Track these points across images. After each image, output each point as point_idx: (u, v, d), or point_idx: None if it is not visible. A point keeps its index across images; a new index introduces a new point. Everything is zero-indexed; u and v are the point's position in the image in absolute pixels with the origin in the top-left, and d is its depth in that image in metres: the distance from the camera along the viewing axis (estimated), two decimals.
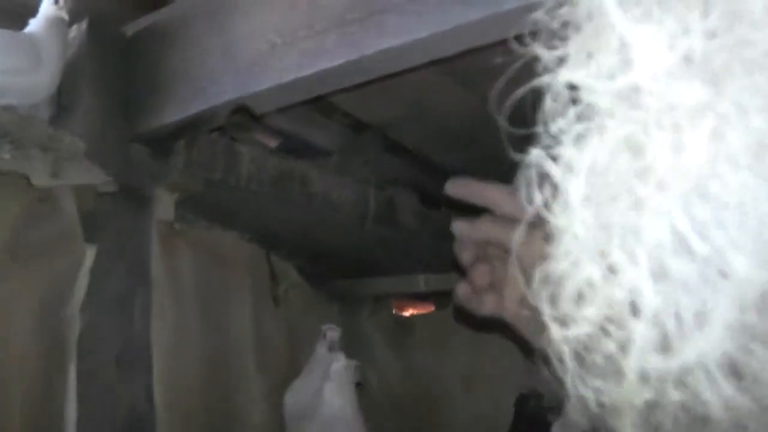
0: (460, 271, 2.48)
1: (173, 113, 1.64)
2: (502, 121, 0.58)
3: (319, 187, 2.09)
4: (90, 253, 1.53)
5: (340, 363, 2.05)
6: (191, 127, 1.67)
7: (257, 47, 1.50)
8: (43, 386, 1.43)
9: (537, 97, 0.53)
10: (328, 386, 2.03)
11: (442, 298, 2.69)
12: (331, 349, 2.09)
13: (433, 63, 1.70)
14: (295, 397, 2.04)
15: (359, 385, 2.17)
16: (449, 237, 2.64)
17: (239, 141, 1.99)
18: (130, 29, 1.84)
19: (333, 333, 2.10)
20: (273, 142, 2.48)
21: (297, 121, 2.42)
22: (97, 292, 1.54)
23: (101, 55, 1.71)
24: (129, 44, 1.82)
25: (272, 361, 2.21)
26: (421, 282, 2.33)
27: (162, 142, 1.76)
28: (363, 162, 2.45)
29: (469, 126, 2.47)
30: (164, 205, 1.78)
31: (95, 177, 1.52)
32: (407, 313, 3.07)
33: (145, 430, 1.57)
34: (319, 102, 2.31)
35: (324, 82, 1.43)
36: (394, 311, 3.01)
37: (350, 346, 2.64)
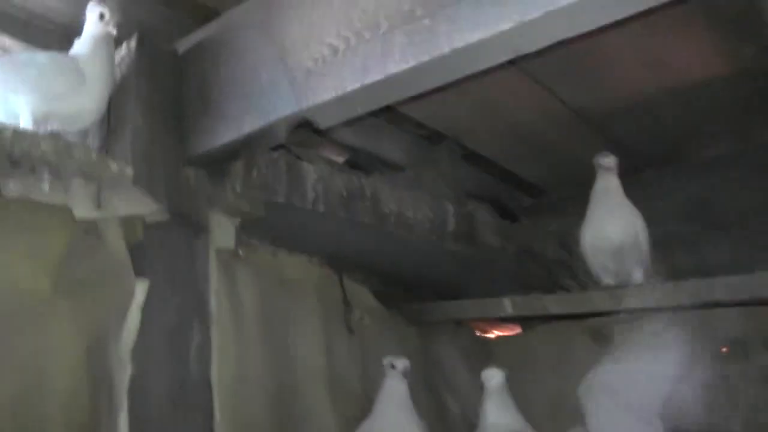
0: (548, 290, 2.26)
1: (226, 133, 1.50)
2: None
3: (392, 205, 1.91)
4: (141, 288, 1.39)
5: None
6: (247, 147, 1.52)
7: (316, 53, 1.33)
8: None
9: None
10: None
11: (527, 318, 2.46)
12: (405, 377, 1.91)
13: (512, 62, 1.52)
14: None
15: None
16: (534, 253, 2.44)
17: (303, 158, 1.84)
18: (182, 46, 1.72)
19: (402, 363, 1.91)
20: (341, 158, 2.33)
21: (366, 134, 2.26)
22: (150, 330, 1.41)
23: (152, 73, 1.58)
24: (180, 61, 1.69)
25: (346, 394, 2.04)
26: (508, 306, 2.12)
27: (217, 164, 1.62)
28: (438, 175, 2.27)
29: (548, 131, 2.26)
30: (223, 232, 1.63)
31: (143, 206, 1.39)
32: (492, 335, 2.86)
33: None
34: (389, 112, 2.15)
35: (393, 89, 1.25)
36: (477, 333, 2.80)
37: (429, 372, 2.45)
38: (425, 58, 1.13)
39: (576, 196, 2.19)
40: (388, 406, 1.87)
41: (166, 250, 1.49)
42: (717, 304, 1.82)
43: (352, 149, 2.30)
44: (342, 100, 1.27)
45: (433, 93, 2.02)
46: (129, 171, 1.39)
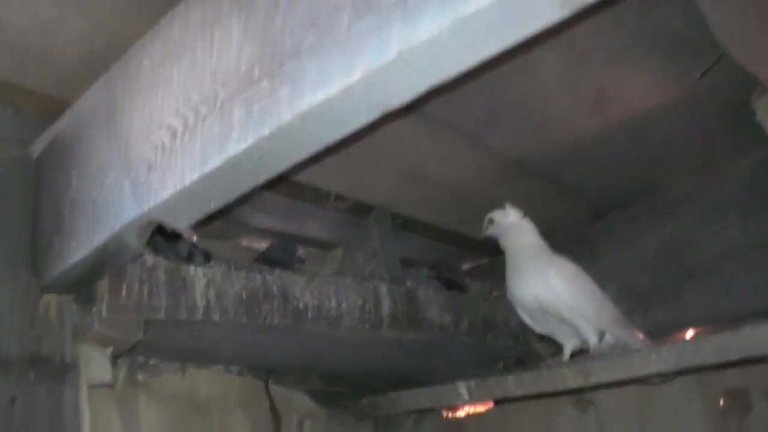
0: (509, 371, 1.97)
1: (76, 250, 1.23)
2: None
3: (307, 299, 1.63)
4: None
5: None
6: (102, 263, 1.24)
7: (156, 140, 1.08)
8: None
9: None
10: None
11: None
12: None
13: (426, 117, 1.25)
14: None
15: None
16: (493, 324, 2.15)
17: (213, 256, 1.56)
18: (37, 147, 1.45)
19: None
20: (263, 243, 2.06)
21: (285, 217, 1.99)
22: None
23: (3, 188, 1.32)
24: (35, 168, 1.43)
25: None
26: (464, 392, 1.83)
27: (81, 287, 1.33)
28: (371, 253, 2.00)
29: (487, 188, 2.01)
30: (97, 367, 1.34)
31: None
32: (461, 414, 2.55)
33: None
34: (301, 189, 1.89)
35: (238, 175, 0.98)
36: (445, 416, 2.49)
37: None
38: (265, 131, 0.87)
39: None
40: None
41: (20, 406, 1.20)
42: (702, 368, 1.54)
43: (272, 234, 2.04)
44: (183, 194, 1.00)
45: (347, 162, 1.79)
46: None
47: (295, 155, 0.94)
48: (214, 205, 1.07)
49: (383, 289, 1.85)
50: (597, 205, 2.24)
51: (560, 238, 2.26)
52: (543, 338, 2.06)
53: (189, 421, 1.62)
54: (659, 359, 1.54)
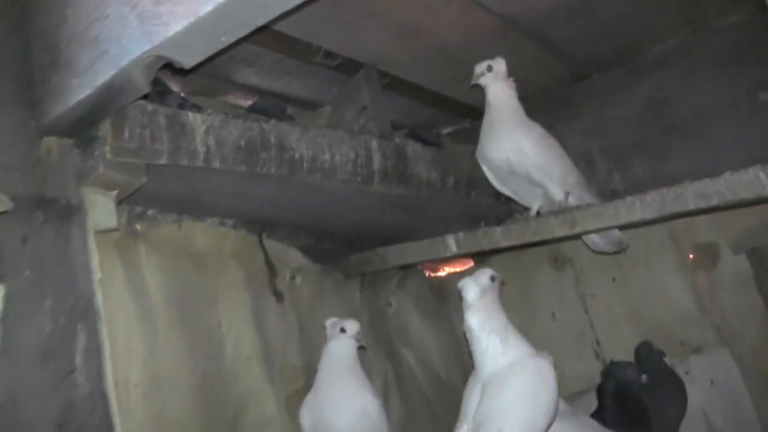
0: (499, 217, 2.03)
1: (79, 88, 1.22)
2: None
3: (303, 151, 1.64)
4: None
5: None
6: (107, 102, 1.23)
7: None
8: None
9: None
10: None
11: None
12: (358, 343, 1.69)
13: None
14: (313, 411, 1.64)
15: (362, 348, 1.76)
16: (475, 185, 2.20)
17: (203, 109, 1.55)
18: None
19: (353, 327, 1.69)
20: (250, 102, 2.04)
21: (271, 74, 1.96)
22: (19, 347, 1.14)
23: None
24: (22, 8, 1.38)
25: (284, 368, 1.82)
26: (452, 244, 1.89)
27: (82, 129, 1.33)
28: (360, 109, 2.00)
29: (478, 47, 1.99)
30: (101, 210, 1.35)
31: None
32: (443, 273, 2.65)
33: None
34: (291, 45, 1.86)
35: (258, 6, 0.97)
36: (427, 275, 2.59)
37: (376, 325, 2.24)
38: None
39: None
40: (337, 373, 1.65)
41: (30, 245, 1.22)
42: (684, 214, 1.62)
43: (260, 91, 2.01)
44: (196, 27, 0.99)
45: (340, 15, 1.76)
46: None
47: None
48: (225, 40, 1.06)
49: (374, 143, 1.87)
50: (582, 67, 2.26)
51: (544, 99, 2.30)
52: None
53: (186, 271, 1.66)
54: (643, 206, 1.61)
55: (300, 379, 1.84)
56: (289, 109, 2.04)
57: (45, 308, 1.21)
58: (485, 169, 1.95)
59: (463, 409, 1.35)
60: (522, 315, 2.20)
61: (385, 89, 2.08)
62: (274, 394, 1.75)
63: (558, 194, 1.81)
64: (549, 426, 1.30)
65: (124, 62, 1.11)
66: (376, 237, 2.10)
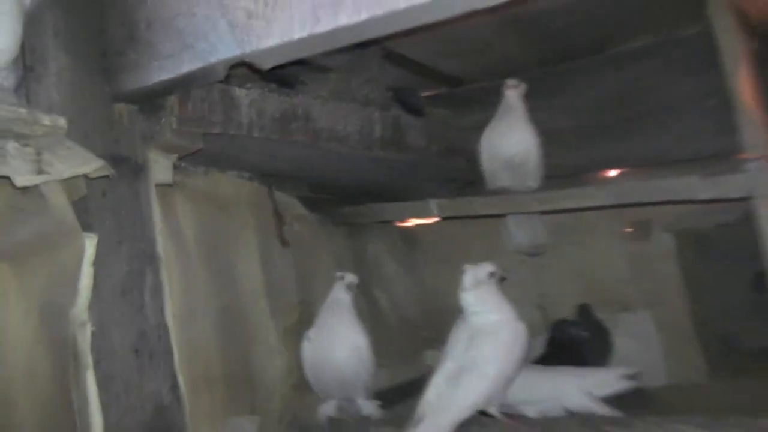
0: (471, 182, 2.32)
1: (161, 71, 1.43)
2: None
3: (323, 121, 1.90)
4: (90, 243, 1.34)
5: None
6: (184, 85, 1.45)
7: None
8: (61, 399, 1.30)
9: None
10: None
11: None
12: (349, 291, 1.98)
13: None
14: (314, 345, 1.94)
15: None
16: (453, 151, 2.48)
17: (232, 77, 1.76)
18: None
19: (351, 278, 1.97)
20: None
21: None
22: (104, 284, 1.38)
23: (69, 2, 1.45)
24: None
25: (283, 304, 2.09)
26: (434, 208, 2.18)
27: (149, 100, 1.54)
28: (366, 79, 2.23)
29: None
30: (161, 168, 1.59)
31: (87, 165, 1.31)
32: (409, 223, 2.94)
33: (174, 420, 1.47)
34: None
35: (340, 39, 1.21)
36: (398, 225, 2.88)
37: (358, 269, 2.53)
38: (379, 12, 1.10)
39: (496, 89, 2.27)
40: (337, 316, 1.94)
41: (110, 198, 1.45)
42: (632, 204, 1.96)
43: None
44: (288, 46, 1.23)
45: None
46: (62, 122, 1.31)
47: (393, 30, 1.18)
48: (305, 55, 1.29)
49: (376, 115, 2.13)
50: (559, 52, 2.51)
51: (523, 78, 2.56)
52: None
53: (212, 215, 1.89)
54: (605, 194, 1.94)
55: (295, 314, 2.12)
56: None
57: (122, 253, 1.45)
58: (485, 156, 2.22)
59: (449, 350, 1.68)
60: None
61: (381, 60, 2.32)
62: (275, 326, 2.03)
63: (533, 179, 2.12)
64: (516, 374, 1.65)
65: (212, 60, 1.33)
66: (367, 192, 2.38)
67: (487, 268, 1.72)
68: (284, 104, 1.78)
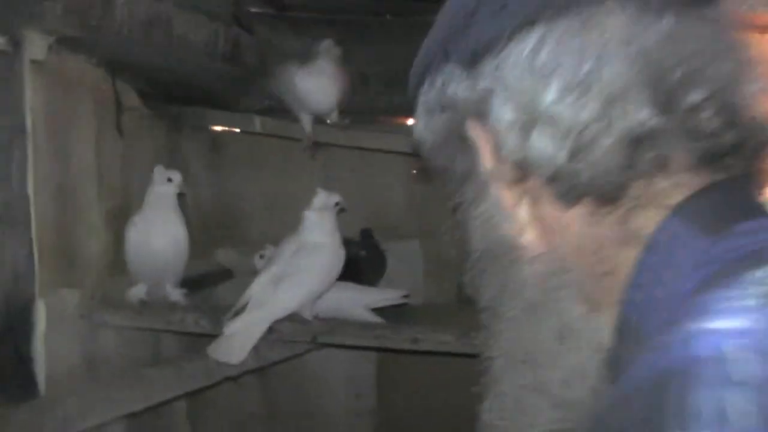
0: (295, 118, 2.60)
1: None
2: None
3: (180, 29, 2.05)
4: None
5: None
6: None
7: None
8: None
9: None
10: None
11: None
12: (178, 190, 2.17)
13: None
14: (138, 229, 2.13)
15: (181, 195, 2.28)
16: (266, 71, 2.73)
17: None
18: None
19: (177, 177, 2.17)
20: None
21: None
22: None
23: None
24: None
25: (110, 189, 2.24)
26: (257, 123, 2.42)
27: None
28: None
29: None
30: (37, 47, 1.67)
31: None
32: (218, 129, 3.14)
33: (27, 288, 1.61)
34: None
35: None
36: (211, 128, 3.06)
37: (173, 164, 2.71)
38: None
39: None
40: (161, 210, 2.14)
41: None
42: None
43: None
44: None
45: None
46: None
47: None
48: None
49: (221, 30, 2.31)
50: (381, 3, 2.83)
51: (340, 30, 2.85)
52: None
53: (59, 95, 1.96)
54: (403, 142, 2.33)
55: (118, 199, 2.28)
56: None
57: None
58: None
59: (277, 256, 1.99)
60: (287, 186, 2.85)
61: None
62: (99, 207, 2.18)
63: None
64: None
65: None
66: (197, 95, 2.55)
67: (335, 197, 2.03)
68: (152, 10, 1.92)
